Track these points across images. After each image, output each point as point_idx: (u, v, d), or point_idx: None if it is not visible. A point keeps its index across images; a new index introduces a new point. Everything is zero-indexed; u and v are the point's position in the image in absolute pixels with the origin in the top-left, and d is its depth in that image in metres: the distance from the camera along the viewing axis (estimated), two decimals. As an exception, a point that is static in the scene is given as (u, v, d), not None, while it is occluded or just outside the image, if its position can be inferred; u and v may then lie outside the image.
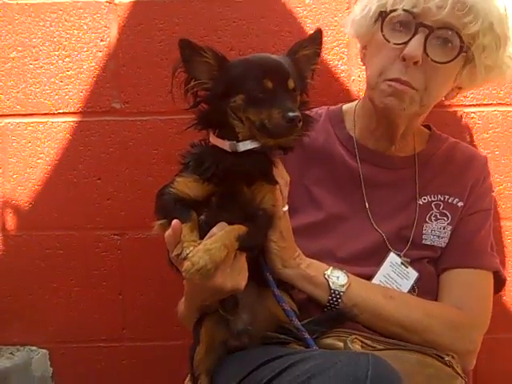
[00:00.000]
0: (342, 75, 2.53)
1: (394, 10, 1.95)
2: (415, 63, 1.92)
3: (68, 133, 2.55)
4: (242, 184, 1.76)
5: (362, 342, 1.86)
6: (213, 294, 1.78)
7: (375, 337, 1.91)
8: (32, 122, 2.55)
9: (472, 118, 2.56)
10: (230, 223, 1.71)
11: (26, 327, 2.63)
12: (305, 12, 2.51)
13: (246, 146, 1.75)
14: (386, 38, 1.97)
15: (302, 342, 1.83)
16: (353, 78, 2.51)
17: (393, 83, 1.96)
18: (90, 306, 2.61)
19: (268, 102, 1.69)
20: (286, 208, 1.89)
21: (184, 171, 1.82)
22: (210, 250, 1.62)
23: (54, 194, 2.57)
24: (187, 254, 1.63)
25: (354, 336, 1.86)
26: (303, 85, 1.84)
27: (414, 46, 1.91)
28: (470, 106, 2.55)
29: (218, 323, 1.89)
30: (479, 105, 2.55)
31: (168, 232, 1.69)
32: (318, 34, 1.87)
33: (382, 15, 1.97)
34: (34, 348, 2.62)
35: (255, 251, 1.84)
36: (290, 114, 1.66)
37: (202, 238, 1.69)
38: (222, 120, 1.75)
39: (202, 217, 1.74)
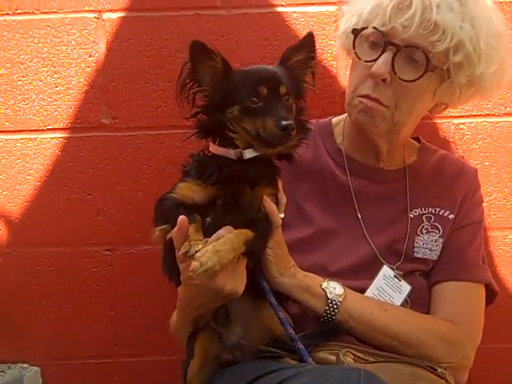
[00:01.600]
0: (330, 88, 2.53)
1: (365, 28, 1.98)
2: (384, 81, 1.95)
3: (57, 149, 2.54)
4: (245, 187, 1.79)
5: (354, 354, 1.86)
6: (210, 297, 1.78)
7: (367, 349, 1.91)
8: (21, 139, 2.53)
9: (461, 129, 2.57)
10: (234, 226, 1.72)
11: (17, 344, 2.61)
12: (292, 26, 2.51)
13: (251, 153, 1.78)
14: (357, 55, 2.01)
15: (295, 354, 1.83)
16: (341, 90, 2.52)
17: (363, 99, 1.99)
18: (81, 323, 2.60)
19: (262, 112, 1.73)
20: (282, 215, 1.89)
21: (186, 178, 1.83)
22: (218, 252, 1.63)
23: (44, 210, 2.55)
24: (196, 253, 1.63)
25: (346, 349, 1.86)
26: (300, 91, 1.87)
27: (381, 64, 1.94)
28: (458, 117, 2.56)
29: (212, 337, 1.89)
30: (468, 116, 2.56)
31: (175, 229, 1.69)
32: (310, 37, 1.88)
33: (354, 32, 2.01)
34: (25, 365, 2.60)
35: (257, 257, 1.85)
36: (283, 122, 1.69)
37: None
38: (222, 130, 1.78)
39: (208, 219, 1.76)
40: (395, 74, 1.94)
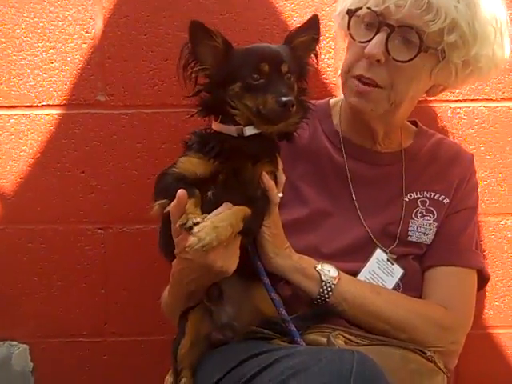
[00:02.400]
0: (328, 69, 2.52)
1: (360, 9, 1.97)
2: (378, 61, 1.94)
3: (51, 125, 2.52)
4: (247, 162, 1.80)
5: (345, 337, 1.86)
6: (201, 272, 1.78)
7: (358, 332, 1.91)
8: (15, 115, 2.51)
9: (458, 113, 2.56)
10: (234, 203, 1.74)
11: (6, 322, 2.60)
12: (292, 5, 2.50)
13: (251, 130, 1.79)
14: (351, 36, 2.01)
15: (286, 336, 1.83)
16: (339, 71, 2.49)
17: (357, 82, 1.98)
18: (71, 301, 2.58)
19: (263, 88, 1.74)
20: (280, 195, 1.89)
21: (188, 152, 1.84)
22: (217, 228, 1.65)
23: (37, 187, 2.54)
24: (193, 225, 1.64)
25: (337, 332, 1.86)
26: (302, 71, 1.88)
27: (375, 45, 1.93)
28: (455, 101, 2.55)
29: (204, 316, 1.89)
30: (465, 100, 2.55)
31: (173, 202, 1.69)
32: (315, 19, 1.89)
33: (349, 13, 2.00)
34: (14, 343, 2.60)
35: (253, 235, 1.86)
36: (283, 98, 1.70)
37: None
38: (223, 108, 1.79)
39: (209, 193, 1.77)
40: (389, 54, 1.93)
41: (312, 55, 1.90)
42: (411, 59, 1.92)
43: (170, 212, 1.72)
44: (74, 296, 2.59)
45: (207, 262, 1.70)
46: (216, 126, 1.83)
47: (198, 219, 1.65)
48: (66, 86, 2.51)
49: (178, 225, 1.67)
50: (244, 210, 1.74)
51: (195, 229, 1.63)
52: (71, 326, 2.60)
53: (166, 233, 1.83)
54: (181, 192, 1.69)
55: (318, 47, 1.90)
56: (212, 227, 1.64)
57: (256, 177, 1.81)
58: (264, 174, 1.81)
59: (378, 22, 1.93)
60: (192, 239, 1.62)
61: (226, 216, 1.69)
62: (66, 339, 2.61)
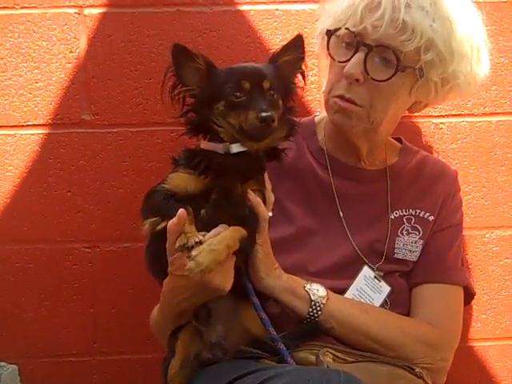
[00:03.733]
0: (312, 86, 2.54)
1: (338, 29, 2.00)
2: (357, 81, 1.96)
3: (37, 145, 2.52)
4: (235, 181, 1.82)
5: (333, 354, 1.87)
6: (196, 291, 1.79)
7: (346, 349, 1.92)
8: (0, 135, 2.51)
9: (440, 128, 2.58)
10: (226, 221, 1.76)
11: (-5, 342, 2.59)
12: (275, 23, 2.52)
13: (238, 147, 1.81)
14: (331, 56, 2.04)
15: (275, 355, 1.84)
16: (323, 88, 2.51)
17: (337, 100, 2.01)
18: (60, 320, 2.57)
19: (245, 106, 1.77)
20: (270, 214, 1.91)
21: (176, 168, 1.87)
22: (214, 251, 1.67)
23: (24, 206, 2.53)
24: (195, 244, 1.65)
25: (325, 349, 1.87)
26: (288, 90, 1.91)
27: (353, 64, 1.96)
28: (438, 116, 2.57)
29: (194, 336, 1.90)
30: (447, 115, 2.57)
31: (172, 221, 1.70)
32: (299, 39, 1.93)
33: (328, 34, 2.03)
34: (2, 363, 2.57)
35: (247, 254, 1.87)
36: (263, 114, 1.73)
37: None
38: (210, 126, 1.82)
39: (202, 211, 1.78)
40: (367, 74, 1.95)
41: (298, 74, 1.94)
42: (389, 78, 1.95)
43: (166, 230, 1.72)
44: (62, 315, 2.57)
45: (205, 280, 1.71)
46: (204, 144, 1.86)
47: (199, 238, 1.67)
48: (51, 106, 2.51)
49: (177, 245, 1.68)
50: (240, 231, 1.76)
51: (193, 252, 1.65)
52: (60, 345, 2.59)
53: (155, 251, 1.85)
54: (181, 212, 1.69)
55: (303, 66, 1.93)
56: (209, 250, 1.66)
57: (244, 195, 1.83)
58: (249, 191, 1.83)
59: (356, 42, 1.96)
60: (190, 263, 1.64)
61: (223, 237, 1.71)
62: (55, 359, 2.59)
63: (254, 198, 1.84)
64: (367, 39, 1.94)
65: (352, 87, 1.98)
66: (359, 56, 1.95)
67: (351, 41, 1.97)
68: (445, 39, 1.93)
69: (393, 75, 1.94)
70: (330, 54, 2.04)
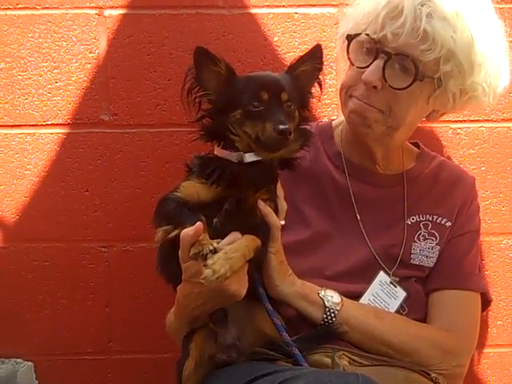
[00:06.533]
0: (330, 90, 2.54)
1: (359, 35, 2.00)
2: (375, 87, 1.96)
3: (56, 144, 2.54)
4: (247, 190, 1.83)
5: (349, 358, 1.88)
6: (210, 297, 1.80)
7: (362, 353, 1.92)
8: (20, 133, 2.53)
9: (458, 133, 2.58)
10: (239, 230, 1.76)
11: (11, 339, 2.61)
12: (293, 27, 2.52)
13: (251, 157, 1.81)
14: (350, 61, 2.04)
15: (290, 358, 1.84)
16: (341, 92, 2.53)
17: (356, 100, 2.01)
18: (76, 319, 2.59)
19: (262, 116, 1.77)
20: (282, 222, 1.91)
21: (189, 177, 1.87)
22: (230, 259, 1.68)
23: (42, 205, 2.55)
24: (210, 252, 1.66)
25: (341, 352, 1.88)
26: (304, 100, 1.91)
27: (372, 71, 1.96)
28: (456, 121, 2.56)
29: (208, 338, 1.90)
30: (465, 121, 2.57)
31: (187, 231, 1.70)
32: (318, 49, 1.93)
33: (348, 38, 2.03)
34: (19, 360, 2.60)
35: (260, 263, 1.88)
36: (281, 126, 1.73)
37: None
38: (225, 134, 1.82)
39: (215, 220, 1.79)
40: (386, 81, 1.95)
41: (315, 84, 1.93)
42: (407, 87, 1.94)
43: (180, 238, 1.72)
44: (78, 314, 2.59)
45: (221, 287, 1.72)
46: (218, 151, 1.86)
47: (214, 246, 1.68)
48: (70, 106, 2.53)
49: (192, 253, 1.69)
50: (256, 241, 1.77)
51: (209, 261, 1.66)
52: (76, 343, 2.61)
53: (167, 257, 1.86)
54: (199, 224, 1.69)
55: (320, 76, 1.93)
56: (226, 258, 1.67)
57: (255, 205, 1.83)
58: (259, 201, 1.84)
59: (375, 49, 1.96)
60: (207, 271, 1.65)
61: (240, 246, 1.72)
62: (70, 357, 2.62)
63: (264, 207, 1.84)
64: (387, 47, 1.94)
65: (369, 93, 1.98)
66: (378, 63, 1.95)
67: (371, 47, 1.97)
68: (465, 51, 1.93)
69: (410, 84, 1.94)
70: (349, 59, 2.03)
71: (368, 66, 1.96)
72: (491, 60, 1.99)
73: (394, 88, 1.95)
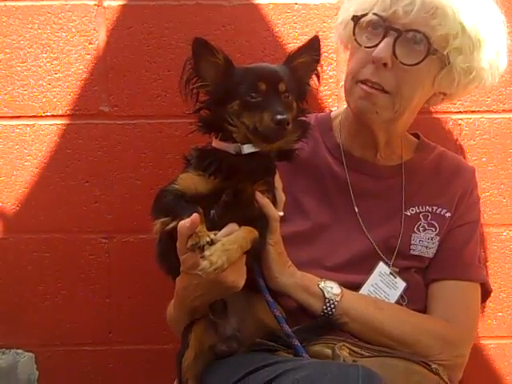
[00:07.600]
0: (330, 81, 2.53)
1: (365, 15, 1.99)
2: (385, 65, 1.95)
3: (55, 135, 2.53)
4: (245, 182, 1.82)
5: (349, 349, 1.88)
6: (209, 288, 1.79)
7: (362, 344, 1.92)
8: (19, 125, 2.53)
9: (459, 124, 2.57)
10: (236, 221, 1.76)
11: (12, 330, 2.62)
12: (294, 17, 2.51)
13: (249, 148, 1.81)
14: (357, 42, 2.02)
15: (290, 349, 1.84)
16: (341, 83, 2.50)
17: (364, 86, 1.99)
18: (76, 310, 2.60)
19: (260, 107, 1.76)
20: (281, 213, 1.91)
21: (187, 169, 1.87)
22: (228, 251, 1.68)
23: (41, 196, 2.55)
24: (206, 244, 1.66)
25: (341, 343, 1.88)
26: (302, 92, 1.91)
27: (383, 48, 1.94)
28: (457, 112, 2.56)
29: (208, 329, 1.90)
30: (466, 112, 2.57)
31: (184, 222, 1.69)
32: (315, 40, 1.91)
33: (354, 19, 2.01)
34: (19, 351, 2.61)
35: (258, 254, 1.87)
36: (278, 116, 1.73)
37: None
38: (223, 125, 1.82)
39: (212, 212, 1.79)
40: (396, 58, 1.94)
41: (313, 75, 1.93)
42: (419, 62, 1.94)
43: (177, 230, 1.72)
44: (78, 305, 2.60)
45: (218, 278, 1.71)
46: (216, 143, 1.86)
47: (211, 238, 1.68)
48: (69, 97, 2.53)
49: (189, 244, 1.68)
50: (253, 232, 1.76)
51: (206, 252, 1.65)
52: (76, 334, 2.62)
53: (166, 249, 1.86)
54: (195, 216, 1.69)
55: (318, 68, 1.92)
56: (223, 250, 1.66)
57: (253, 196, 1.83)
58: (257, 192, 1.83)
59: (384, 27, 1.94)
60: (204, 263, 1.64)
61: (237, 238, 1.72)
62: (71, 348, 2.62)
63: (261, 199, 1.84)
64: (396, 23, 1.93)
65: (379, 72, 1.96)
66: (388, 40, 1.93)
67: (378, 26, 1.96)
68: (474, 27, 1.93)
69: (423, 59, 1.93)
70: (356, 40, 2.01)
71: (377, 45, 1.95)
72: (495, 37, 2.01)
73: (406, 64, 1.94)
